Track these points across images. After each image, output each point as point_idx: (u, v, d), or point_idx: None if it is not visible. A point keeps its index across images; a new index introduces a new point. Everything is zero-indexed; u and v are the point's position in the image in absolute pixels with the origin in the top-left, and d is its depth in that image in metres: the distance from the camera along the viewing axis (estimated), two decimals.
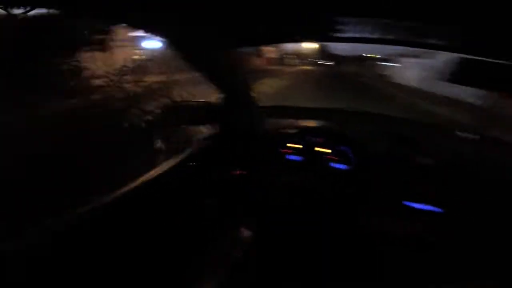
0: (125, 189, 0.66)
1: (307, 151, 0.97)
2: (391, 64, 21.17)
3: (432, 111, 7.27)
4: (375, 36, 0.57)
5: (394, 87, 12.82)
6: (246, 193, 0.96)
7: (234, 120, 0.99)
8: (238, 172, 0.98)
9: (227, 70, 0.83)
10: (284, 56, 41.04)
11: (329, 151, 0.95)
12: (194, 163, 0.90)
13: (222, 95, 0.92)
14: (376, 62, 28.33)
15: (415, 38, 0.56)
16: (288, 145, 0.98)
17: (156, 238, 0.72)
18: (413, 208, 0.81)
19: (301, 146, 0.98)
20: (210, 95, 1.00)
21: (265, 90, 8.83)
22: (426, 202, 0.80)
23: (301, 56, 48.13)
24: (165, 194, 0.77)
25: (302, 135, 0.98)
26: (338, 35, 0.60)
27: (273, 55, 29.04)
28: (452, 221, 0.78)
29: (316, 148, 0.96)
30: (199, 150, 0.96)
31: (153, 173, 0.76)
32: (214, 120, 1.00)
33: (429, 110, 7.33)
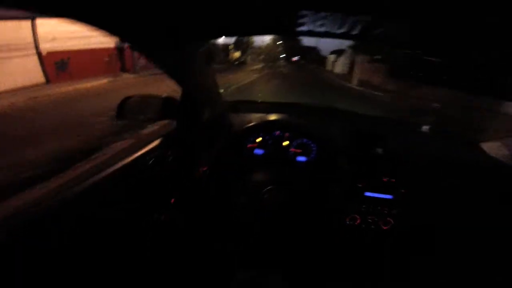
0: (91, 180, 0.68)
1: (273, 145, 0.98)
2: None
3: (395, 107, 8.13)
4: (336, 30, 0.57)
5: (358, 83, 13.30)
6: (210, 190, 0.95)
7: (199, 115, 0.95)
8: (203, 168, 0.95)
9: (190, 65, 0.80)
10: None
11: (293, 144, 0.97)
12: (157, 159, 0.88)
13: (186, 90, 0.90)
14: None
15: (367, 32, 0.57)
16: (255, 140, 0.99)
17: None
18: (372, 197, 0.87)
19: (267, 140, 0.99)
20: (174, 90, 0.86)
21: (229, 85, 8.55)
22: (385, 192, 0.87)
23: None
24: (126, 190, 0.78)
25: (268, 129, 0.98)
26: (298, 29, 0.60)
27: None
28: (408, 211, 0.85)
29: (281, 142, 0.98)
30: (161, 145, 0.93)
31: (116, 167, 0.75)
32: (177, 115, 0.94)
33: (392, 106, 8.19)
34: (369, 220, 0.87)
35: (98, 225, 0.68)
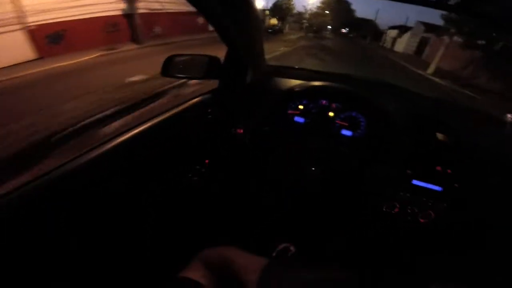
0: (131, 132, 0.66)
1: (317, 114, 0.89)
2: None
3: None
4: None
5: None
6: (247, 152, 0.91)
7: (242, 77, 0.92)
8: (240, 130, 0.90)
9: (240, 25, 0.74)
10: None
11: (340, 115, 0.87)
12: (196, 116, 0.86)
13: (232, 51, 0.88)
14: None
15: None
16: (297, 106, 0.90)
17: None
18: (420, 186, 0.77)
19: (310, 109, 0.90)
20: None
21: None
22: (436, 183, 0.76)
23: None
24: (164, 142, 0.76)
25: (313, 96, 0.89)
26: None
27: None
28: (454, 207, 0.76)
29: (326, 112, 0.89)
30: (201, 104, 0.90)
31: (153, 121, 0.73)
32: (221, 75, 0.92)
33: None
34: (408, 211, 0.77)
35: (129, 180, 0.64)
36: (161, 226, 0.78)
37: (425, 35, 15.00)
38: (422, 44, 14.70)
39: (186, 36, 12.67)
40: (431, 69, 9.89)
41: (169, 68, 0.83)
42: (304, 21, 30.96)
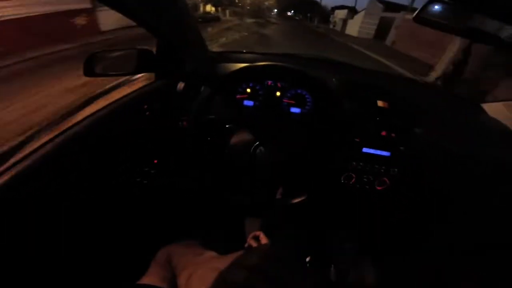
0: (72, 129, 0.63)
1: (264, 95, 0.89)
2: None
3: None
4: None
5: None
6: (194, 148, 0.89)
7: (179, 67, 0.88)
8: (184, 124, 0.87)
9: (166, 13, 0.71)
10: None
11: (287, 94, 0.89)
12: (129, 113, 0.80)
13: (163, 41, 0.84)
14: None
15: None
16: (245, 90, 0.90)
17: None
18: (370, 154, 0.80)
19: (258, 91, 0.90)
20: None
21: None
22: (383, 149, 0.80)
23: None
24: (96, 149, 0.71)
25: (258, 76, 0.89)
26: None
27: None
28: (404, 171, 0.80)
29: (273, 92, 0.89)
30: (134, 100, 0.83)
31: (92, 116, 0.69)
32: (154, 68, 0.87)
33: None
34: (364, 179, 0.82)
35: (62, 197, 0.60)
36: (114, 234, 0.75)
37: (385, 15, 12.90)
38: (384, 26, 12.55)
39: (50, 47, 7.63)
40: (436, 73, 7.06)
41: (93, 67, 0.73)
42: (244, 7, 26.94)
